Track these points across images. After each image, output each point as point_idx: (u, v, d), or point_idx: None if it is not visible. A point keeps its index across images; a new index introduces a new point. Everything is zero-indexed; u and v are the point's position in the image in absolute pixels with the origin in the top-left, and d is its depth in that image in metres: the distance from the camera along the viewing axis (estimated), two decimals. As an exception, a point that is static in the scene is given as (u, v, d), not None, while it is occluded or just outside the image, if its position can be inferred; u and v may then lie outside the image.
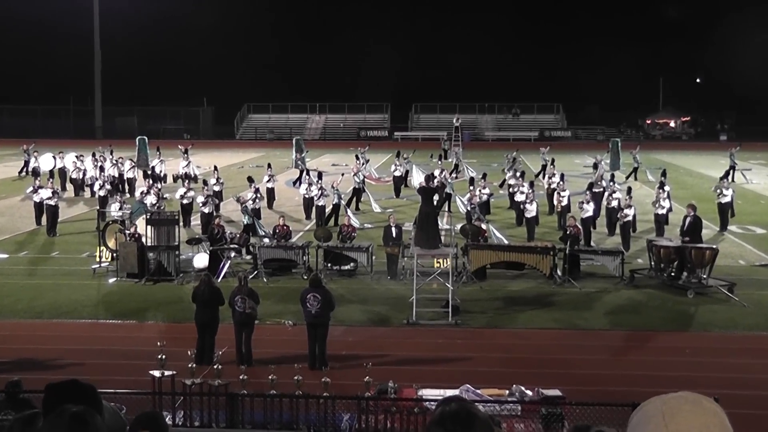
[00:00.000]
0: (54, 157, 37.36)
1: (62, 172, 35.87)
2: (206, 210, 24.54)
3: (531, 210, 24.57)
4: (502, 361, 14.17)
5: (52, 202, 25.44)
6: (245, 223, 22.76)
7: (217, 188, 29.19)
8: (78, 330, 16.04)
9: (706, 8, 74.49)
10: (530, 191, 25.49)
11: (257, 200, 25.44)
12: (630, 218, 22.89)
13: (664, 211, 24.41)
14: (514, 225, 26.41)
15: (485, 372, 13.42)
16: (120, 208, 23.20)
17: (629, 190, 24.62)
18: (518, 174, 30.09)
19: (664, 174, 27.33)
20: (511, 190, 28.70)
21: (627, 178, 37.75)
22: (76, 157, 35.67)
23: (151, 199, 24.34)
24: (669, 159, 47.27)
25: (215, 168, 30.93)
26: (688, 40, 73.78)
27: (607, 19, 77.49)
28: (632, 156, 39.71)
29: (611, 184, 26.64)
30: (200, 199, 25.09)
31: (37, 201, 26.13)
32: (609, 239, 24.24)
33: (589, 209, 23.72)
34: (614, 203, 24.63)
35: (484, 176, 29.17)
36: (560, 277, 19.20)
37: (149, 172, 34.41)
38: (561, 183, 27.36)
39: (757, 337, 15.65)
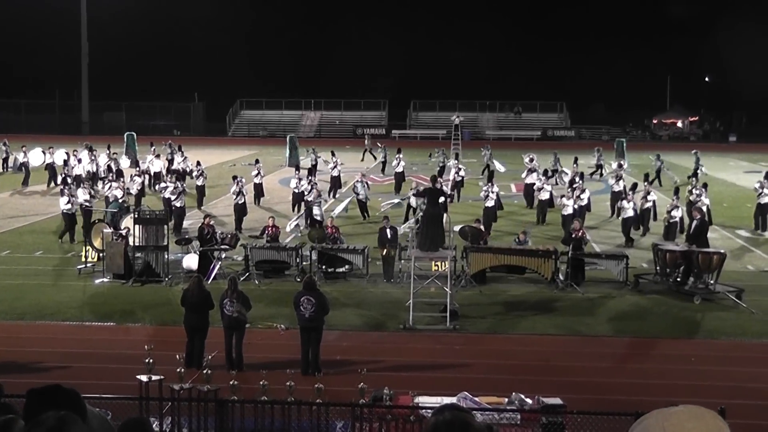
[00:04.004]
0: (43, 152, 37.11)
1: (51, 167, 35.50)
2: (178, 204, 24.76)
3: (568, 207, 24.58)
4: (501, 368, 13.97)
5: None
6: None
7: (199, 183, 29.31)
8: (62, 332, 15.77)
9: (715, 5, 74.02)
10: (575, 186, 25.70)
11: (240, 195, 25.55)
12: (677, 219, 22.68)
13: (704, 209, 24.30)
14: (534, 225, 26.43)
15: (484, 379, 13.23)
16: (68, 201, 23.37)
17: (677, 190, 24.55)
18: (542, 172, 29.56)
19: (695, 175, 27.22)
20: (534, 188, 28.59)
21: (652, 182, 36.85)
22: (67, 153, 35.46)
23: (117, 194, 24.32)
24: (676, 160, 46.78)
25: (198, 162, 30.90)
26: (696, 37, 73.10)
27: (613, 15, 76.98)
28: (655, 159, 38.39)
29: (645, 185, 26.48)
30: (169, 190, 25.34)
31: None
32: (643, 240, 24.07)
33: (630, 209, 23.72)
34: (648, 204, 24.75)
35: (491, 177, 28.32)
36: (562, 281, 18.87)
37: (137, 168, 34.20)
38: (580, 182, 27.11)
39: (766, 345, 15.41)
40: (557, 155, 37.51)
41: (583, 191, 26.15)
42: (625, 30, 75.96)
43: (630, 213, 23.70)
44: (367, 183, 27.83)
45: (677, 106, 77.23)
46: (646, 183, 26.73)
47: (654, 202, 24.61)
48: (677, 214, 22.79)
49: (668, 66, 75.88)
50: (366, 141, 47.79)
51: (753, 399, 12.40)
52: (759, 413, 11.85)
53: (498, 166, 36.69)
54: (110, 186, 26.03)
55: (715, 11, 72.99)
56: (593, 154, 39.76)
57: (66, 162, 33.48)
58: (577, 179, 28.70)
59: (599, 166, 38.50)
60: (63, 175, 29.17)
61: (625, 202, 23.92)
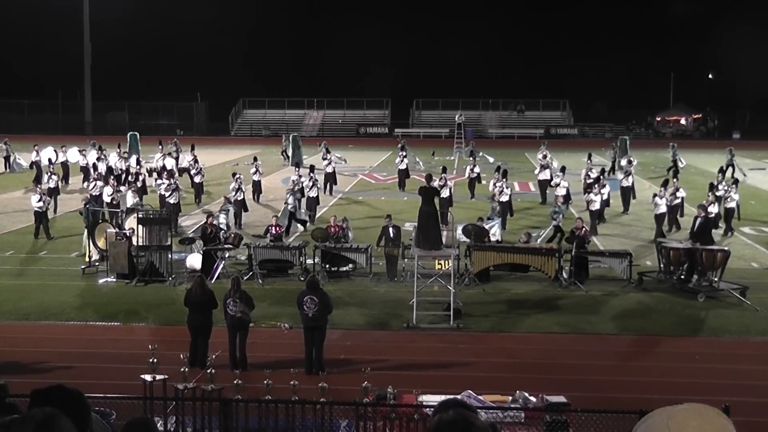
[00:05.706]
0: (55, 151, 37.36)
1: (64, 165, 35.94)
2: (172, 201, 25.03)
3: (596, 202, 24.69)
4: (505, 367, 13.95)
5: None
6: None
7: (197, 180, 29.39)
8: (66, 332, 15.76)
9: (719, 2, 73.93)
10: (601, 182, 25.92)
11: (239, 191, 25.63)
12: (713, 215, 22.80)
13: (734, 204, 24.83)
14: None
15: (488, 377, 13.20)
16: (39, 200, 23.56)
17: (711, 186, 24.66)
18: (559, 169, 29.38)
19: (721, 171, 27.41)
20: (552, 184, 28.57)
21: (732, 176, 36.25)
22: (78, 151, 35.91)
23: (107, 192, 24.60)
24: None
25: (195, 160, 30.95)
26: (699, 35, 73.07)
27: (616, 13, 76.91)
28: (728, 152, 37.92)
29: (675, 181, 26.64)
30: (164, 187, 25.53)
31: None
32: (673, 235, 24.08)
33: (662, 205, 24.03)
34: (677, 201, 25.02)
35: (505, 173, 27.25)
36: (566, 279, 18.82)
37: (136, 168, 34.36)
38: (601, 178, 27.21)
39: (770, 343, 15.34)
40: (615, 148, 37.49)
41: (603, 186, 26.36)
42: (628, 28, 75.90)
43: (663, 209, 24.02)
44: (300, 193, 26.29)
45: (681, 104, 77.11)
46: (675, 180, 26.91)
47: (683, 198, 24.96)
48: (713, 210, 22.88)
49: (671, 64, 75.82)
50: (283, 140, 47.51)
51: (757, 396, 12.37)
52: (763, 411, 11.82)
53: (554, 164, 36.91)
54: (95, 185, 26.14)
55: (718, 9, 72.93)
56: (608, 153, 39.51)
57: (50, 161, 33.72)
58: (595, 173, 28.78)
59: (675, 162, 37.73)
60: (49, 174, 29.17)
61: (657, 198, 24.21)
